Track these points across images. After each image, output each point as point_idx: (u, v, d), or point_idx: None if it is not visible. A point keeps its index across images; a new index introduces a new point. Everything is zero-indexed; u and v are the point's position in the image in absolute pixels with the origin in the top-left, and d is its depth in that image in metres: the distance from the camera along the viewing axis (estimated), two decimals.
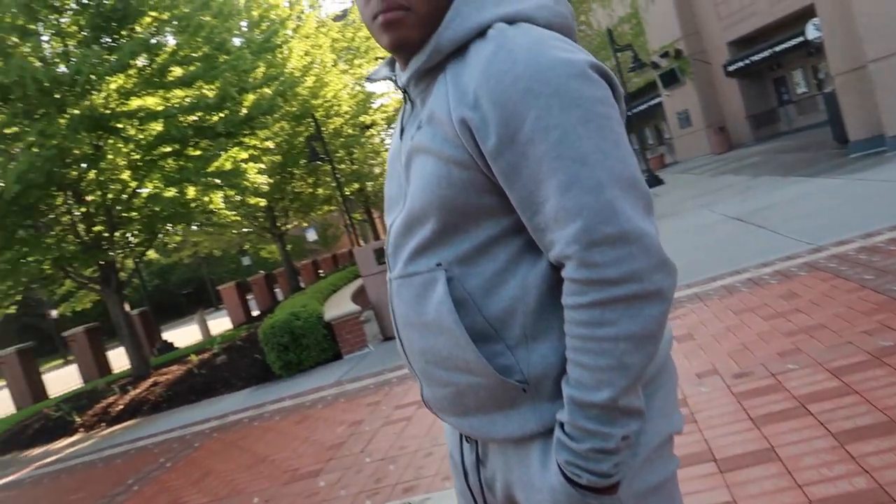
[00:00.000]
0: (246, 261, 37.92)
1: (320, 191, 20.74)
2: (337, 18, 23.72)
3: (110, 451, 6.79)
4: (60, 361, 21.25)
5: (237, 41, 14.67)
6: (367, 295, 8.70)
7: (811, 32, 17.23)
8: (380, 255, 8.37)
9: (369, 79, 1.11)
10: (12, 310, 11.80)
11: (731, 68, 22.16)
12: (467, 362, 0.89)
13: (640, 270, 0.77)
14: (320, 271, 28.75)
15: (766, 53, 20.40)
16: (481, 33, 0.86)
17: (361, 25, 22.82)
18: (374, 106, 23.92)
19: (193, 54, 10.09)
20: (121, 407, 8.75)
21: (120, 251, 10.71)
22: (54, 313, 24.56)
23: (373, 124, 23.65)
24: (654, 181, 18.28)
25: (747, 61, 21.32)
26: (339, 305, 8.75)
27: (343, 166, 21.72)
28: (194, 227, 15.81)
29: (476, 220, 0.88)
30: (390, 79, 1.03)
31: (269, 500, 3.80)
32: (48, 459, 7.39)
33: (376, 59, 24.58)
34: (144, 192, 10.61)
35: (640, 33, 26.19)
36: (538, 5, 0.89)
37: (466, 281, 0.89)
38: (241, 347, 10.34)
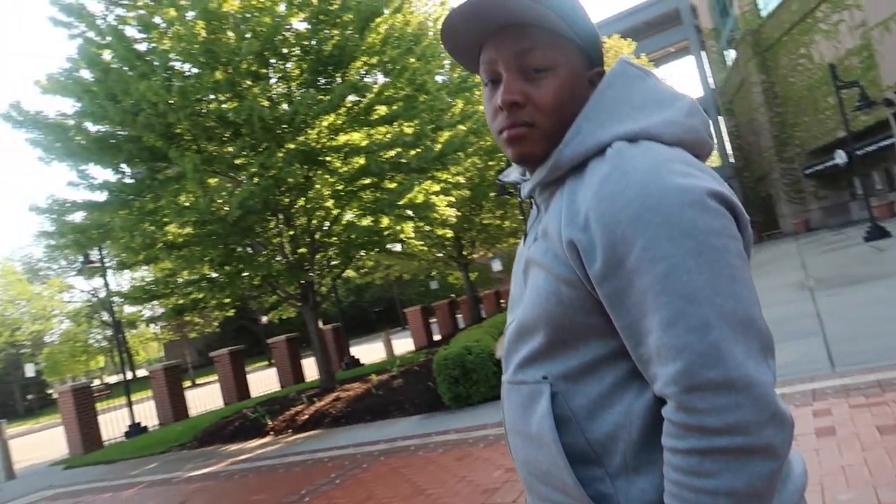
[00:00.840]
0: (433, 285, 39.52)
1: (507, 223, 21.08)
2: None
3: (291, 458, 7.37)
4: (265, 363, 23.60)
5: (440, 78, 15.55)
6: None
7: None
8: None
9: (499, 179, 1.13)
10: (231, 313, 13.41)
11: None
12: (564, 483, 0.86)
13: (747, 422, 0.70)
14: (502, 301, 29.12)
15: None
16: (601, 151, 0.85)
17: None
18: None
19: (396, 94, 10.85)
20: (306, 417, 9.48)
21: (319, 272, 11.69)
22: (264, 319, 27.46)
23: None
24: (879, 233, 16.16)
25: None
26: None
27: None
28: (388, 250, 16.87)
29: (584, 338, 0.86)
30: (518, 183, 1.05)
31: None
32: (241, 457, 8.20)
33: None
34: (344, 219, 11.54)
35: (872, 67, 23.52)
36: (666, 121, 0.87)
37: (571, 399, 0.87)
38: (417, 373, 10.74)
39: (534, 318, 0.90)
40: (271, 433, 9.42)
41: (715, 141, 0.94)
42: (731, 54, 39.19)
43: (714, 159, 57.42)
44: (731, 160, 47.19)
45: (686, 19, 50.63)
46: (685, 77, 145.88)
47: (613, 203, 0.77)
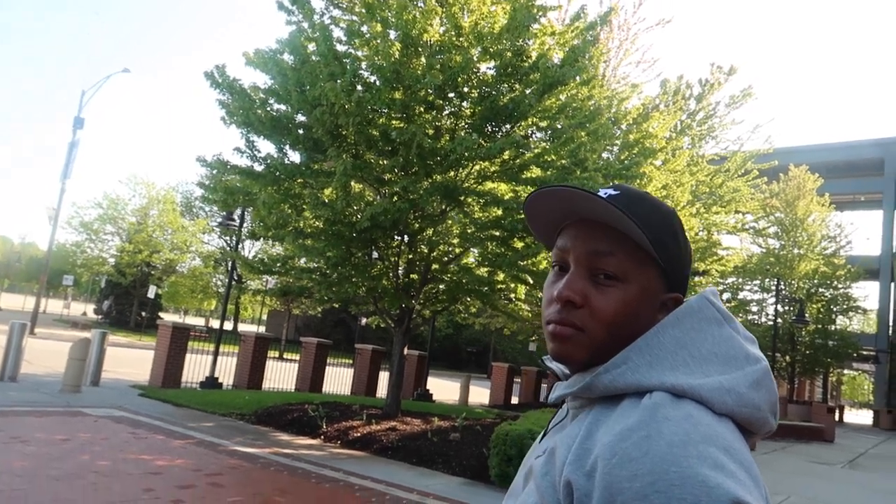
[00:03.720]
0: (531, 346, 38.95)
1: None
2: (713, 161, 23.38)
3: (328, 471, 7.45)
4: (349, 362, 24.18)
5: (607, 155, 15.39)
6: None
7: None
8: None
9: (542, 359, 1.07)
10: (336, 305, 13.90)
11: None
12: None
13: None
14: None
15: None
16: (639, 393, 0.77)
17: (734, 175, 22.15)
18: (719, 255, 22.92)
19: (554, 161, 10.85)
20: (358, 434, 9.56)
21: (422, 301, 11.84)
22: (364, 321, 28.24)
23: (705, 273, 22.57)
24: None
25: None
26: None
27: None
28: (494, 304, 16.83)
29: None
30: (556, 375, 0.98)
31: None
32: (285, 450, 8.40)
33: (736, 211, 23.56)
34: (463, 260, 11.64)
35: None
36: (723, 388, 0.76)
37: None
38: (478, 433, 10.54)
39: None
40: (322, 437, 9.59)
41: (776, 422, 0.82)
42: None
43: (871, 324, 52.37)
44: (890, 332, 42.83)
45: (889, 172, 46.94)
46: (865, 230, 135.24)
47: (624, 467, 0.68)
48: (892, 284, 43.50)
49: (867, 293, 42.53)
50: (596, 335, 0.84)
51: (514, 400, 21.37)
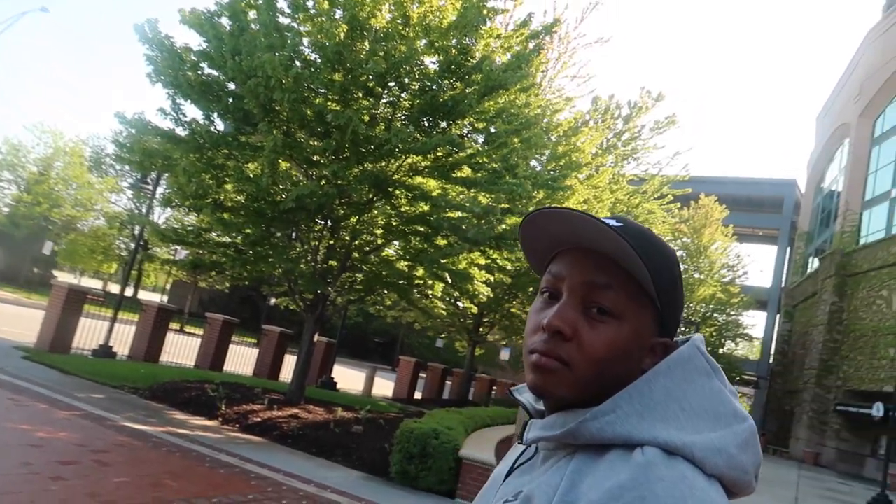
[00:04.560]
0: (438, 343, 39.21)
1: None
2: (633, 182, 24.21)
3: (225, 456, 7.18)
4: (253, 342, 23.52)
5: (534, 163, 15.63)
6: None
7: None
8: None
9: (511, 392, 1.00)
10: (245, 283, 13.46)
11: None
12: None
13: None
14: (494, 388, 28.60)
15: None
16: (629, 446, 0.72)
17: (650, 197, 23.04)
18: None
19: (486, 164, 10.90)
20: (258, 419, 9.29)
21: (338, 289, 11.64)
22: (272, 301, 27.52)
23: None
24: (885, 502, 15.28)
25: None
26: (480, 447, 8.47)
27: None
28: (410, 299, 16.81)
29: None
30: (526, 409, 0.92)
31: None
32: (179, 430, 8.05)
33: None
34: (384, 253, 11.52)
35: None
36: (714, 447, 0.72)
37: None
38: (380, 427, 10.48)
39: None
40: (220, 419, 9.25)
41: (756, 482, 0.79)
42: (813, 263, 38.55)
43: (755, 351, 56.01)
44: (771, 360, 45.95)
45: (786, 211, 50.32)
46: (760, 264, 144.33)
47: None
48: (778, 316, 46.63)
49: (755, 322, 45.45)
50: (581, 372, 0.78)
51: (418, 395, 21.43)
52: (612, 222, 0.81)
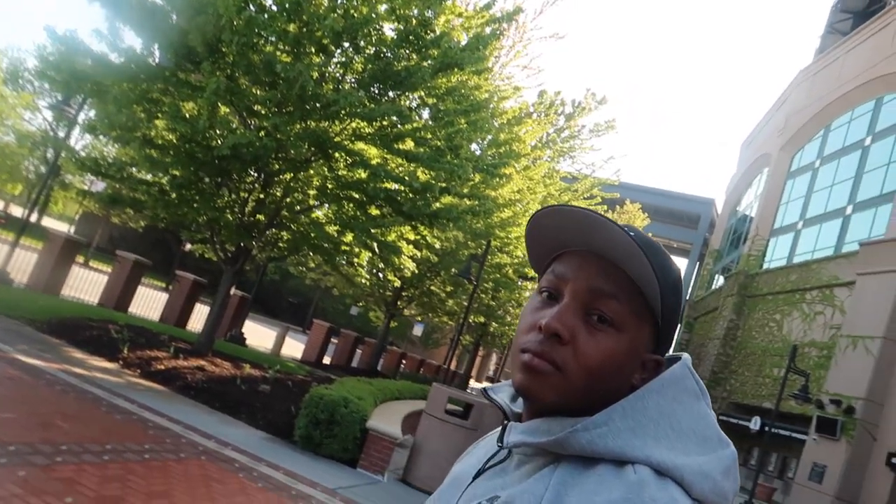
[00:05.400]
0: (354, 310, 39.03)
1: (451, 302, 21.01)
2: (569, 179, 24.71)
3: (123, 401, 6.91)
4: (163, 286, 22.67)
5: (476, 147, 15.69)
6: (418, 429, 8.42)
7: None
8: (453, 404, 8.13)
9: (485, 391, 0.96)
10: (162, 225, 12.90)
11: (894, 461, 19.89)
12: None
13: None
14: (403, 362, 28.78)
15: None
16: (619, 462, 0.71)
17: (580, 196, 23.58)
18: None
19: (430, 140, 10.85)
20: (161, 367, 8.99)
21: (262, 245, 11.36)
22: (188, 247, 26.55)
23: (534, 279, 23.87)
24: None
25: None
26: (387, 419, 8.53)
27: (484, 296, 21.98)
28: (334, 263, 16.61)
29: None
30: (503, 410, 0.90)
31: None
32: (76, 370, 7.68)
33: None
34: (314, 214, 11.31)
35: (824, 367, 24.55)
36: (702, 471, 0.71)
37: None
38: (288, 389, 10.35)
39: None
40: (121, 362, 8.89)
41: None
42: (719, 280, 40.70)
43: None
44: None
45: (701, 228, 52.77)
46: None
47: None
48: (679, 326, 48.94)
49: None
50: (573, 379, 0.76)
51: (327, 360, 21.29)
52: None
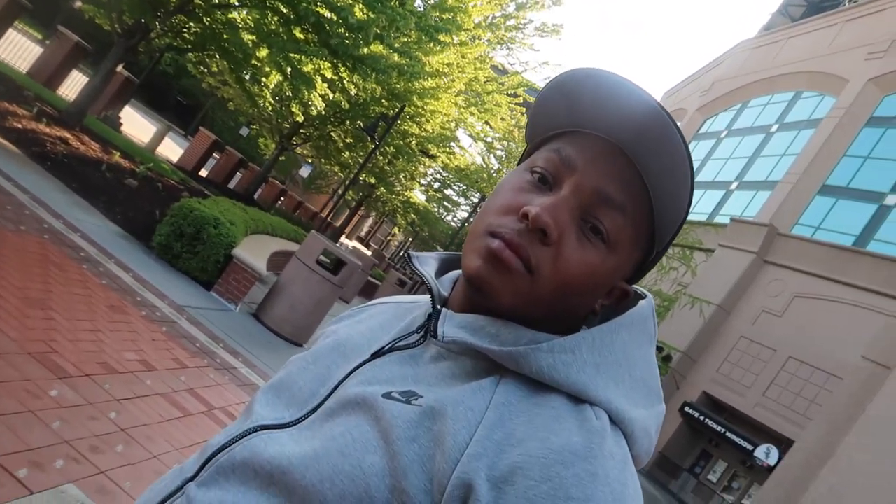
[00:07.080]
0: (244, 131, 37.08)
1: (347, 154, 20.43)
2: (499, 71, 24.09)
3: None
4: (40, 37, 20.06)
5: (419, 3, 14.66)
6: (284, 270, 8.21)
7: (761, 453, 17.68)
8: (324, 256, 7.97)
9: (411, 258, 0.78)
10: None
11: (686, 409, 22.61)
12: None
13: None
14: (282, 199, 28.03)
15: (717, 427, 20.86)
16: (577, 400, 0.59)
17: (504, 91, 23.14)
18: (450, 149, 24.05)
19: None
20: (19, 126, 8.02)
21: (163, 27, 10.14)
22: (78, 3, 23.49)
23: (434, 157, 23.63)
24: None
25: (698, 419, 21.78)
26: (254, 252, 8.21)
27: (382, 159, 21.54)
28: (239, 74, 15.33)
29: None
30: (430, 290, 0.72)
31: None
32: None
33: (486, 122, 24.80)
34: (231, 15, 10.21)
35: (661, 316, 26.80)
36: (644, 427, 0.62)
37: None
38: (156, 192, 9.68)
39: (304, 476, 0.58)
40: None
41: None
42: None
43: None
44: None
45: None
46: None
47: (557, 502, 0.50)
48: None
49: None
50: (542, 287, 0.63)
51: (204, 173, 20.20)
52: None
